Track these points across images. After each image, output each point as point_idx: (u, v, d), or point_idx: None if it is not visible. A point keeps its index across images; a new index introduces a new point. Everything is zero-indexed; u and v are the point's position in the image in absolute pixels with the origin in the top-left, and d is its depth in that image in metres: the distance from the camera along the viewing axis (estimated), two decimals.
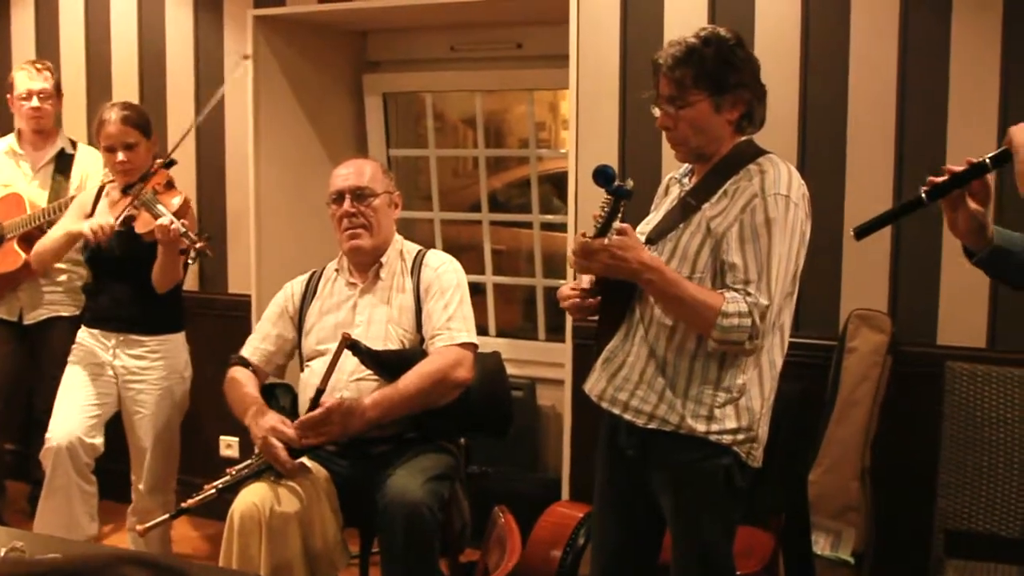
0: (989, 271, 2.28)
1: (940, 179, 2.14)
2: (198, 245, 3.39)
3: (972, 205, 2.17)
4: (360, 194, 3.22)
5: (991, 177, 2.17)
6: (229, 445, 4.61)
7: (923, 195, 2.14)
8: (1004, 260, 2.20)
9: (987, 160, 2.07)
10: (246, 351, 3.33)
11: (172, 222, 3.41)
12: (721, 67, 2.44)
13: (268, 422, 3.03)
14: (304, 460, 3.05)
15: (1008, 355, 3.21)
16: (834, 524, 3.29)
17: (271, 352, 3.32)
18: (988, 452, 3.12)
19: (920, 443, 3.30)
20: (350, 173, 3.25)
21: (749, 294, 2.34)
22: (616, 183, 2.35)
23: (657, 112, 2.51)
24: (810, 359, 3.41)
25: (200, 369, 3.94)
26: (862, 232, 2.25)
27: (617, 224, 2.37)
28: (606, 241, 2.36)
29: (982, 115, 3.23)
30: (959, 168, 2.13)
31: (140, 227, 3.56)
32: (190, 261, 3.49)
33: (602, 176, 2.35)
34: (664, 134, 2.55)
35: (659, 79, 2.50)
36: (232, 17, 4.43)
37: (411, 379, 3.04)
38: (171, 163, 3.72)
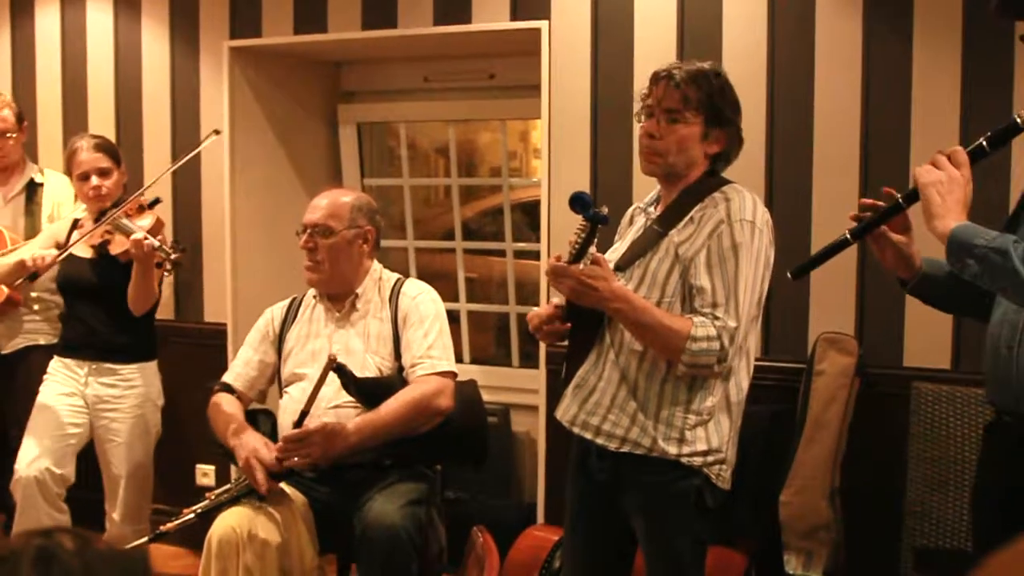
0: (922, 298, 2.42)
1: (863, 217, 2.28)
2: (173, 256, 3.47)
3: (895, 236, 2.32)
4: (317, 230, 3.22)
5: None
6: (205, 473, 4.60)
7: (848, 235, 2.29)
8: (932, 287, 2.35)
9: (899, 199, 2.23)
10: (228, 377, 3.34)
11: (146, 237, 3.48)
12: (723, 101, 2.52)
13: (251, 443, 3.06)
14: (282, 486, 3.07)
15: (972, 376, 3.25)
16: (805, 544, 3.33)
17: (254, 377, 3.33)
18: (954, 470, 3.18)
19: (888, 462, 3.36)
20: (317, 207, 3.25)
21: (717, 317, 2.40)
22: (592, 210, 2.39)
23: (642, 120, 2.56)
24: (779, 382, 3.46)
25: (176, 398, 3.95)
26: (798, 273, 2.37)
27: (592, 252, 2.43)
28: (580, 267, 2.42)
29: (943, 141, 3.30)
30: (881, 203, 2.27)
31: (115, 248, 3.61)
32: (166, 273, 3.55)
33: (579, 202, 2.39)
34: (640, 145, 2.58)
35: (660, 89, 2.53)
36: (208, 48, 4.46)
37: (393, 406, 3.06)
38: (156, 202, 3.77)
